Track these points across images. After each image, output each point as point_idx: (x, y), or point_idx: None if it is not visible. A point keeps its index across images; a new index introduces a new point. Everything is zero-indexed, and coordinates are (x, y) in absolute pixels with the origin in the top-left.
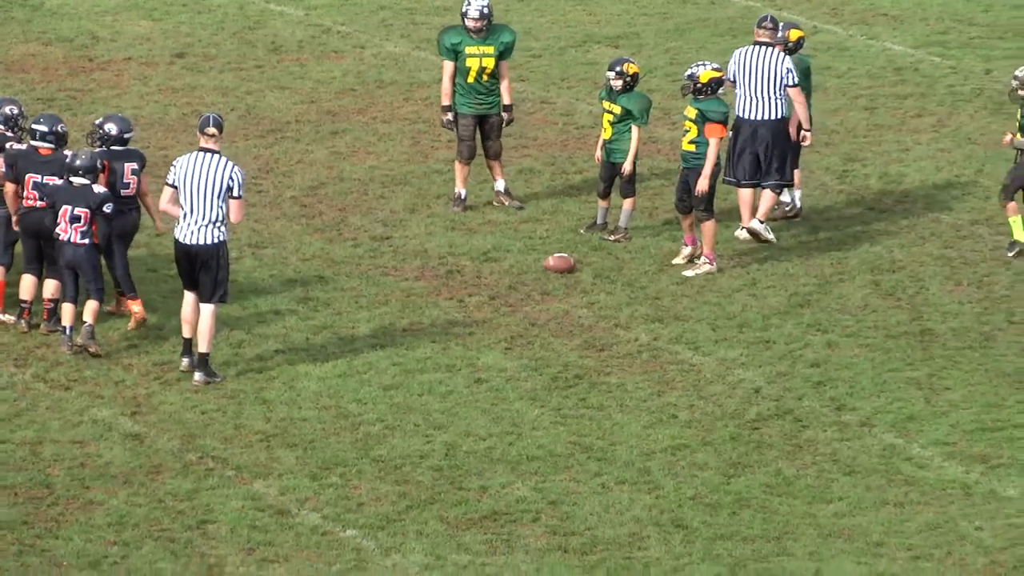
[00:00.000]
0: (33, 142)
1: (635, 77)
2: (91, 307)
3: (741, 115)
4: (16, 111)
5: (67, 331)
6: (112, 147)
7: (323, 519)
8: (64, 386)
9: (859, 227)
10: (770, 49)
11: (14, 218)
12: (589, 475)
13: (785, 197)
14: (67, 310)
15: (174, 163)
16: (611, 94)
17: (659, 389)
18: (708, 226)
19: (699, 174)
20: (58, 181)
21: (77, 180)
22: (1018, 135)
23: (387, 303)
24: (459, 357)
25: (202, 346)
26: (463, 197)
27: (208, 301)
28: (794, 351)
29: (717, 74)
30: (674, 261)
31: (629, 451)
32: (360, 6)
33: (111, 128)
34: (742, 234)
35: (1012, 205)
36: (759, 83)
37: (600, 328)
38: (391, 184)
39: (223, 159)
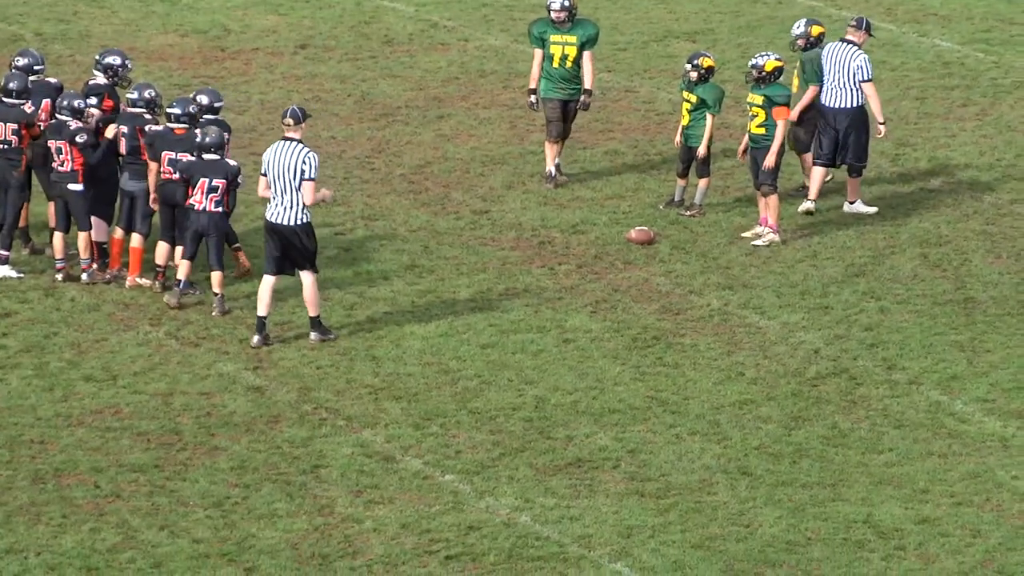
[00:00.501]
0: (169, 123)
1: (710, 70)
2: (216, 277)
3: (825, 103)
4: (154, 95)
5: (181, 285)
6: (204, 116)
7: (424, 465)
8: (193, 343)
9: (909, 205)
10: (851, 46)
11: (152, 195)
12: (664, 426)
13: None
14: (184, 266)
15: (264, 153)
16: (689, 85)
17: (728, 349)
18: (773, 199)
19: (767, 152)
20: (190, 157)
21: (208, 155)
22: None
23: (485, 270)
24: (549, 319)
25: (311, 311)
26: (553, 174)
27: (304, 270)
28: (850, 316)
29: (779, 63)
30: (743, 235)
31: (700, 405)
32: (464, 3)
33: (203, 99)
34: (806, 206)
35: None
36: (840, 76)
37: (676, 294)
38: (490, 163)
39: (299, 146)
